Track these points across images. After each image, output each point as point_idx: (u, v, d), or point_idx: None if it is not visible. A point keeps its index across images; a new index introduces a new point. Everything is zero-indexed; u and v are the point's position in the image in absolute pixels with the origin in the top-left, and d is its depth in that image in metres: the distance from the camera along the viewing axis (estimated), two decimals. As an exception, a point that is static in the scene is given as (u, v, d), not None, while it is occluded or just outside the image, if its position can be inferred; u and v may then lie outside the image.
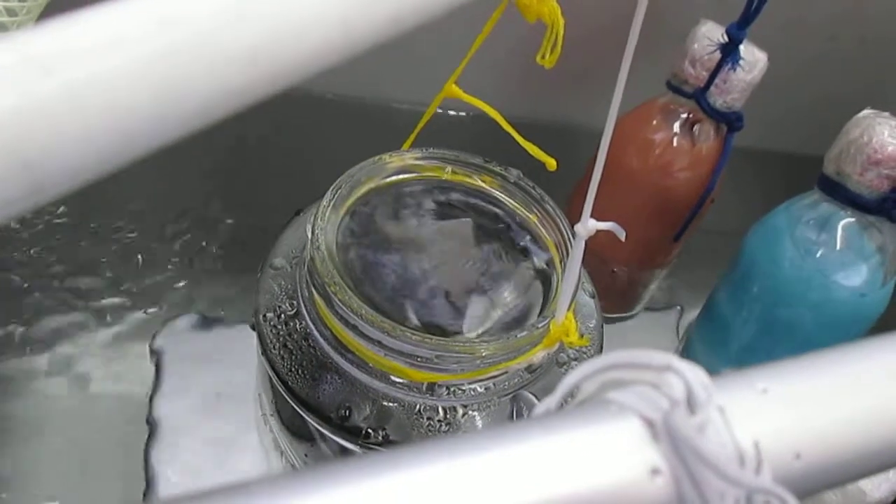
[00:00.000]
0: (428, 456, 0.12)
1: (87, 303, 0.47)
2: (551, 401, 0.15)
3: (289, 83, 0.11)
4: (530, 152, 0.31)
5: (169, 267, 0.50)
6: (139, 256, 0.50)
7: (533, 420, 0.13)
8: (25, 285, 0.47)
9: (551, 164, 0.31)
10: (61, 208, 0.50)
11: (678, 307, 0.57)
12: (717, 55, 0.42)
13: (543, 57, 0.25)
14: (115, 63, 0.10)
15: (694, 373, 0.13)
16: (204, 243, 0.51)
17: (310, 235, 0.30)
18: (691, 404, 0.13)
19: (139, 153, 0.10)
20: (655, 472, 0.12)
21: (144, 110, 0.10)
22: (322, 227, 0.31)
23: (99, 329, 0.47)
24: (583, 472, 0.12)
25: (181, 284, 0.49)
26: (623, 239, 0.26)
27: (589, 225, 0.26)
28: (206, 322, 0.47)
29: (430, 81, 0.33)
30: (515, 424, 0.13)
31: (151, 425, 0.42)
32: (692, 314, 0.54)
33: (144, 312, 0.48)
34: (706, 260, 0.53)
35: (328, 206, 0.32)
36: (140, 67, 0.10)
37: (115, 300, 0.48)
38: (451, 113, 0.55)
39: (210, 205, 0.53)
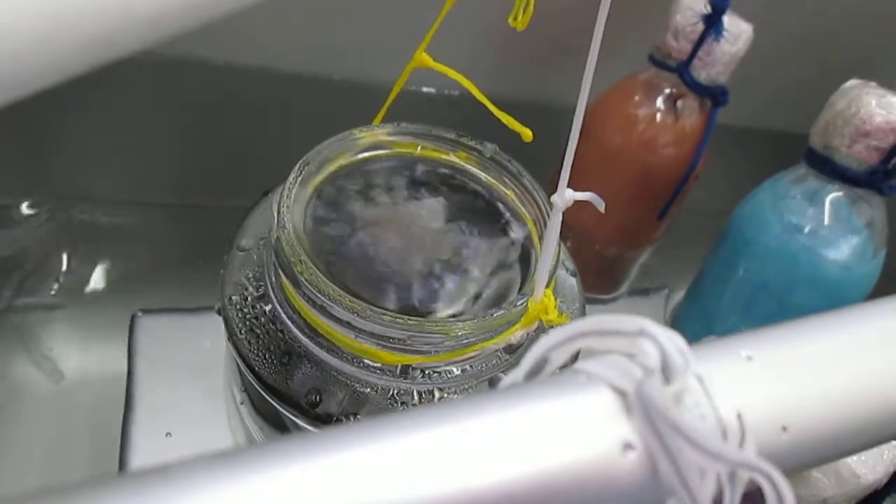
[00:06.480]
0: (383, 431, 0.11)
1: (62, 287, 0.46)
2: (517, 374, 0.13)
3: (204, 18, 0.10)
4: (505, 123, 0.29)
5: (140, 251, 0.49)
6: (110, 241, 0.49)
7: (494, 393, 0.12)
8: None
9: (527, 134, 0.29)
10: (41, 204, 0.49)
11: (665, 289, 0.56)
12: (700, 26, 0.41)
13: (515, 18, 0.24)
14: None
15: (669, 337, 0.12)
16: (175, 226, 0.50)
17: (275, 214, 0.29)
18: (667, 372, 0.11)
19: (33, 82, 0.09)
20: (628, 446, 0.11)
21: (32, 32, 0.08)
22: (288, 204, 0.29)
23: (73, 313, 0.46)
24: (547, 447, 0.11)
25: (153, 268, 0.48)
26: (602, 210, 0.25)
27: (566, 195, 0.24)
28: (180, 307, 0.46)
29: (403, 60, 0.32)
30: (474, 397, 0.11)
31: (127, 409, 0.41)
32: (679, 295, 0.53)
33: (120, 297, 0.47)
34: (693, 240, 0.52)
35: (295, 182, 0.30)
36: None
37: (90, 284, 0.47)
38: (424, 90, 0.53)
39: (178, 187, 0.51)
